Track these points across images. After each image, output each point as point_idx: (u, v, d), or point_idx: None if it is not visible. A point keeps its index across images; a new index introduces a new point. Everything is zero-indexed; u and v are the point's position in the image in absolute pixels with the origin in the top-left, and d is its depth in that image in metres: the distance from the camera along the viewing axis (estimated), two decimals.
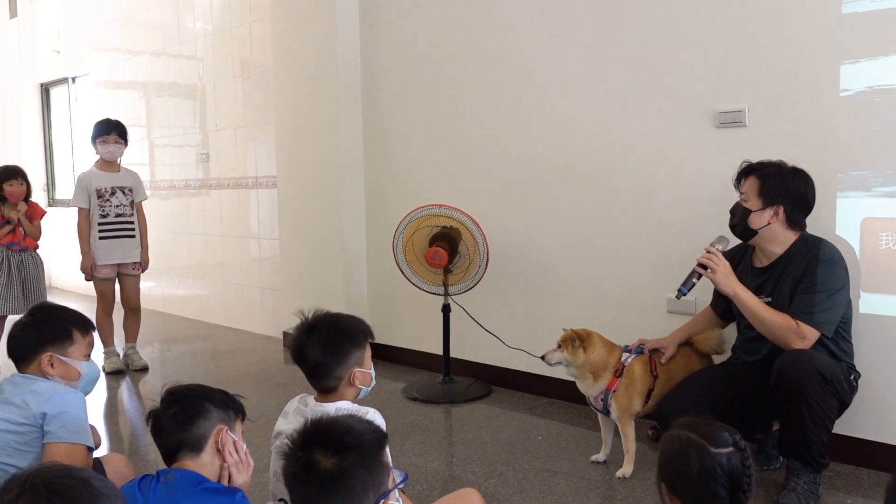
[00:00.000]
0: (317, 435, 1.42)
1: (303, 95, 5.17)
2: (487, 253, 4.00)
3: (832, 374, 2.59)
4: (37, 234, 4.90)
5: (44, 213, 5.05)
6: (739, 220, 2.84)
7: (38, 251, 4.96)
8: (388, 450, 1.54)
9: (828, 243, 2.77)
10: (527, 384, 4.15)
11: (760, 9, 3.18)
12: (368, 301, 5.05)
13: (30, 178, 5.00)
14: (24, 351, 2.27)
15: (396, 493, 1.52)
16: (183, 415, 1.83)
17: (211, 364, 5.19)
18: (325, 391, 2.14)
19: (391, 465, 1.52)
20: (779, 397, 2.62)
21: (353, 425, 1.46)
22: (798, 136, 3.10)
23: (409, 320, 4.80)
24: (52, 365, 2.26)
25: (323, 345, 2.08)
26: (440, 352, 4.33)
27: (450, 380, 4.28)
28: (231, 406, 1.92)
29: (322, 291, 5.12)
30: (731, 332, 3.12)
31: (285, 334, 5.50)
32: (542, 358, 3.05)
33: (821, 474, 2.72)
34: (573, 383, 3.12)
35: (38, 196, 9.05)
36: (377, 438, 1.48)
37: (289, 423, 2.15)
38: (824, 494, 2.77)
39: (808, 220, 2.86)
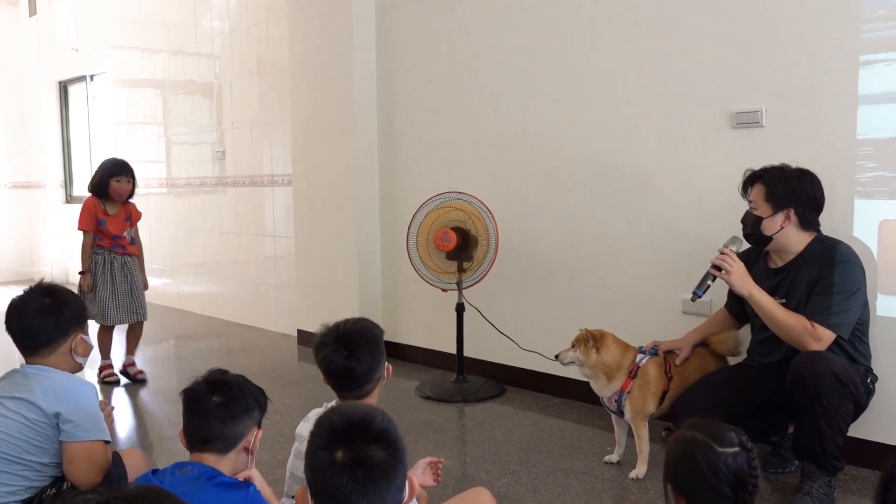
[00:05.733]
0: (363, 430, 1.39)
1: (318, 94, 5.19)
2: (497, 242, 4.00)
3: (847, 376, 2.57)
4: (140, 245, 4.70)
5: (141, 214, 4.74)
6: (752, 228, 2.83)
7: (137, 258, 4.65)
8: None
9: (844, 244, 2.75)
10: (540, 384, 4.14)
11: (778, 8, 3.17)
12: (382, 299, 5.06)
13: (136, 176, 4.64)
14: (51, 336, 2.25)
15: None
16: (233, 408, 1.84)
17: (225, 361, 5.21)
18: (360, 398, 2.12)
19: None
20: (793, 399, 2.61)
21: (379, 417, 1.43)
22: (816, 137, 3.08)
23: (422, 319, 4.81)
24: (78, 347, 2.28)
25: (367, 354, 2.11)
26: (454, 351, 4.33)
27: (463, 379, 4.28)
28: (265, 406, 1.94)
29: (336, 289, 5.14)
30: (746, 334, 3.11)
31: (300, 332, 5.53)
32: (556, 357, 3.05)
33: (836, 478, 2.70)
34: (587, 383, 3.11)
35: (57, 193, 9.14)
36: (396, 428, 1.47)
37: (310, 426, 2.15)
38: (839, 498, 2.75)
39: (826, 222, 2.84)
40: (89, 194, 4.57)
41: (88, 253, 4.48)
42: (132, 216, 4.64)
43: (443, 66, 4.57)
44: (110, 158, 4.63)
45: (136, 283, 4.57)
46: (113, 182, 4.46)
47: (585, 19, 3.84)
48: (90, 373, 4.55)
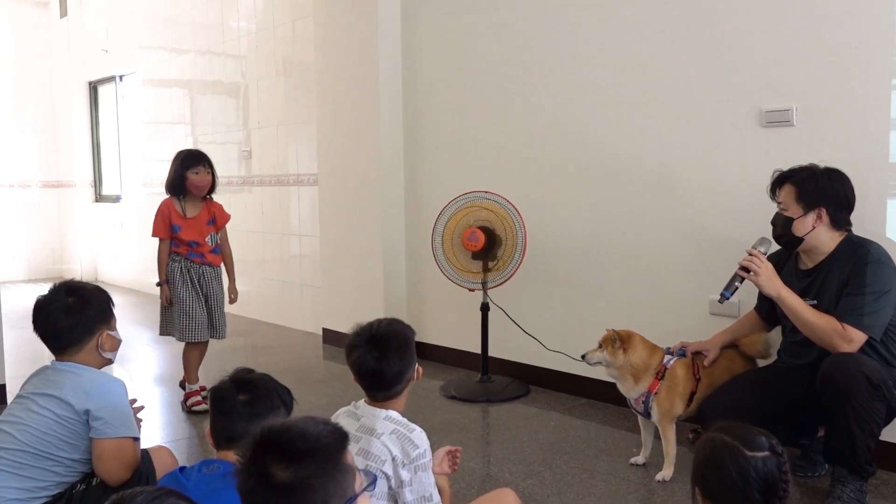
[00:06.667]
0: (268, 444, 1.29)
1: (344, 94, 5.20)
2: (525, 243, 3.99)
3: (880, 378, 2.52)
4: (228, 253, 4.12)
5: (228, 217, 4.12)
6: (783, 229, 2.79)
7: (220, 268, 4.10)
8: (349, 450, 1.37)
9: (876, 244, 2.70)
10: (565, 384, 4.12)
11: (809, 5, 3.12)
12: (408, 298, 5.07)
13: (215, 167, 4.02)
14: (76, 335, 2.27)
15: (367, 496, 1.41)
16: (259, 407, 1.85)
17: (251, 359, 5.24)
18: (389, 398, 2.13)
19: (356, 466, 1.37)
20: (824, 402, 2.57)
21: (306, 428, 1.31)
22: (847, 135, 3.04)
23: (447, 318, 4.81)
24: (105, 343, 2.30)
25: (398, 356, 2.11)
26: (478, 350, 4.32)
27: (488, 378, 4.27)
28: (291, 405, 1.95)
29: (361, 288, 5.15)
30: (776, 336, 3.06)
31: (325, 330, 5.55)
32: (583, 357, 3.03)
33: (867, 482, 2.65)
34: (612, 384, 3.09)
35: (86, 192, 9.26)
36: (336, 440, 1.34)
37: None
38: (871, 503, 2.71)
39: (857, 223, 2.80)
40: (167, 195, 3.99)
41: (165, 262, 3.93)
42: (217, 218, 4.02)
43: (468, 65, 4.56)
44: (184, 150, 4.02)
45: (213, 298, 4.00)
46: (190, 175, 3.87)
47: (613, 17, 3.81)
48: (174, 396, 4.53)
